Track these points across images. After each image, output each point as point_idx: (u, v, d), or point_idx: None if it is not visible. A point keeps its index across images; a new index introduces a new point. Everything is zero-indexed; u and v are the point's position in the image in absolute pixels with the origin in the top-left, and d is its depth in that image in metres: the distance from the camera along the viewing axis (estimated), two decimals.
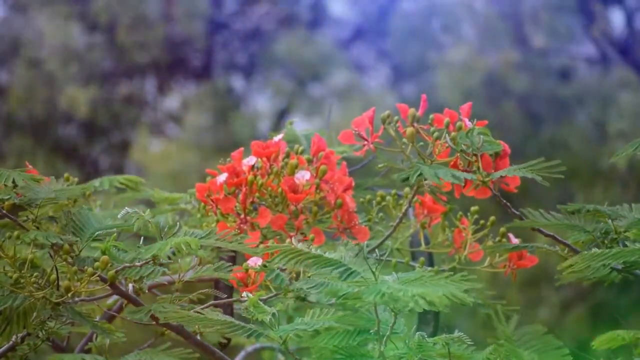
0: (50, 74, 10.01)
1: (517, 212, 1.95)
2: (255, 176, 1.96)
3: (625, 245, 1.91)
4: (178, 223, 1.79)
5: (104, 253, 1.73)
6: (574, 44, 10.52)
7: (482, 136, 1.92)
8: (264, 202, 1.98)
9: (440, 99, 9.38)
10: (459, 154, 1.91)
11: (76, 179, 2.18)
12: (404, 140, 1.91)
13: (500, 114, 9.75)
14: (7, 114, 10.09)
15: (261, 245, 1.80)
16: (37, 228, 1.77)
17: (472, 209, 2.10)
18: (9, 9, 10.52)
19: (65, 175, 2.18)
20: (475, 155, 1.90)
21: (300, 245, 1.66)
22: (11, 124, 10.06)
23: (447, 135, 1.90)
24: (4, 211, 1.78)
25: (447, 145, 1.90)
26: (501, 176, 1.89)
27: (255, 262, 1.78)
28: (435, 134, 1.90)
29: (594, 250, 1.84)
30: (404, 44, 10.59)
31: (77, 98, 9.99)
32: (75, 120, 10.28)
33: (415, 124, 1.92)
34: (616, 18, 10.86)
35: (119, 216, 1.76)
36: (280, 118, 10.19)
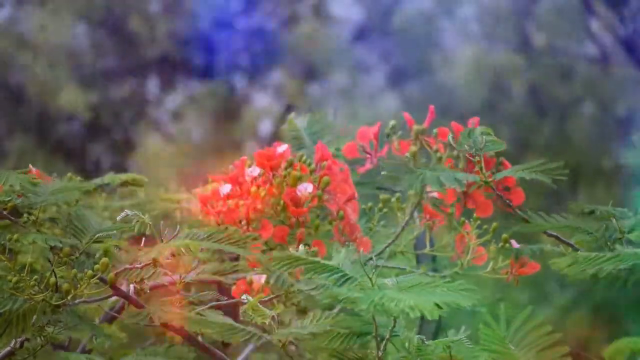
0: (52, 72, 10.01)
1: (521, 214, 1.94)
2: (258, 187, 1.94)
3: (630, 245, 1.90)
4: (178, 226, 1.79)
5: (104, 254, 1.73)
6: (578, 42, 10.51)
7: (484, 136, 1.91)
8: (267, 213, 1.96)
9: (444, 98, 9.38)
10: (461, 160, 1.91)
11: (79, 179, 2.18)
12: (407, 155, 1.91)
13: (504, 112, 9.75)
14: (10, 112, 10.10)
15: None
16: (38, 230, 1.76)
17: (475, 215, 2.08)
18: (13, 7, 10.52)
19: (69, 174, 2.18)
20: (479, 155, 1.89)
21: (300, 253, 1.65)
22: (14, 123, 10.07)
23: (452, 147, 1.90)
24: (5, 212, 1.78)
25: (451, 160, 1.90)
26: (505, 190, 1.89)
27: (259, 279, 1.78)
28: (438, 154, 1.90)
29: (588, 254, 1.83)
30: (408, 44, 10.58)
31: (79, 97, 9.99)
32: (76, 120, 10.28)
33: (420, 136, 1.92)
34: (622, 16, 10.84)
35: (118, 218, 1.76)
36: (282, 118, 10.18)
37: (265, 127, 10.32)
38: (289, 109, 10.36)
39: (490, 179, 1.88)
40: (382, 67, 10.95)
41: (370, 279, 1.58)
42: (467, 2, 10.55)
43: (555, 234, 1.97)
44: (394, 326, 1.62)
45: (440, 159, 1.90)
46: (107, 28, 10.33)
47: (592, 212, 1.93)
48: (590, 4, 10.35)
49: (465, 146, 1.89)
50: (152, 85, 10.81)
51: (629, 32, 10.47)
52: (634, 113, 9.75)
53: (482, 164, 1.89)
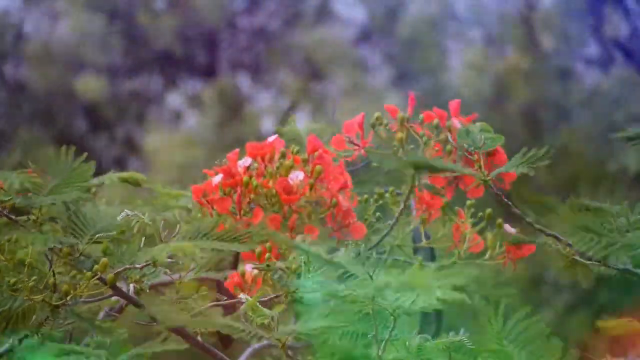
0: (57, 65, 10.02)
1: (518, 211, 1.93)
2: (250, 177, 1.95)
3: None
4: (178, 225, 1.78)
5: (104, 253, 1.72)
6: (583, 46, 10.51)
7: (482, 134, 1.91)
8: (259, 203, 1.96)
9: (447, 100, 9.38)
10: (457, 153, 1.91)
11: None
12: (394, 143, 1.92)
13: (506, 115, 9.75)
14: (14, 105, 10.10)
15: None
16: (39, 230, 1.76)
17: (468, 202, 2.07)
18: None
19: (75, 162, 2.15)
20: (477, 153, 1.89)
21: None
22: (18, 115, 10.08)
23: (440, 134, 1.91)
24: (5, 212, 1.78)
25: (439, 145, 1.90)
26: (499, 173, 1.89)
27: (252, 269, 1.77)
28: (424, 138, 1.90)
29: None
30: (411, 46, 10.59)
31: (85, 92, 10.00)
32: (80, 114, 10.29)
33: (406, 124, 1.93)
34: (621, 20, 10.84)
35: (118, 218, 1.75)
36: (285, 117, 10.15)
37: (269, 126, 10.33)
38: (292, 108, 10.37)
39: (488, 177, 1.88)
40: (384, 67, 10.97)
41: (371, 276, 1.57)
42: (469, 5, 10.56)
43: (553, 233, 1.97)
44: (394, 326, 1.62)
45: (427, 142, 1.90)
46: (113, 24, 10.34)
47: (588, 209, 1.92)
48: (592, 8, 10.35)
49: (464, 144, 1.89)
50: (155, 82, 10.82)
51: (629, 35, 10.48)
52: (635, 117, 9.76)
53: (481, 162, 1.89)
